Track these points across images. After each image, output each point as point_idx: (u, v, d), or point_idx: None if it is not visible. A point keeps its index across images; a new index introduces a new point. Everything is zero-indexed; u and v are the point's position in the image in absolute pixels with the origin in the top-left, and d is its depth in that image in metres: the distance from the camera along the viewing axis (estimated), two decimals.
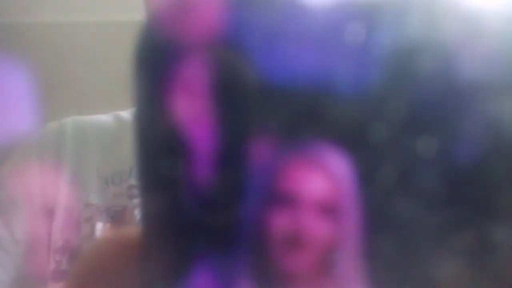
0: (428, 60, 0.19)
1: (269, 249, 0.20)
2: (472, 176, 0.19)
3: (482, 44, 0.19)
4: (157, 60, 0.20)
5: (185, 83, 0.19)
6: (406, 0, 0.19)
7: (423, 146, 0.19)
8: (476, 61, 0.19)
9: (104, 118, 0.66)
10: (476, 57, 0.19)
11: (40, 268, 0.56)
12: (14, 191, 0.59)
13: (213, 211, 0.20)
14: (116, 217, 0.59)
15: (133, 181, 0.60)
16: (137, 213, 0.59)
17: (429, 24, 0.19)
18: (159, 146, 0.20)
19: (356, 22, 0.18)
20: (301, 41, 0.19)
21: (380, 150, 0.19)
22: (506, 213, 0.19)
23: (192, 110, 0.19)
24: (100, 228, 0.59)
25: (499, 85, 0.19)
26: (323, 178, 0.20)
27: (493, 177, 0.19)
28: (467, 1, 0.19)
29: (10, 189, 0.59)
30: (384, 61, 0.19)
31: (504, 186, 0.19)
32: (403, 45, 0.19)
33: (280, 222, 0.20)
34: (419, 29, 0.19)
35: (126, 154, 0.61)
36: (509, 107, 0.19)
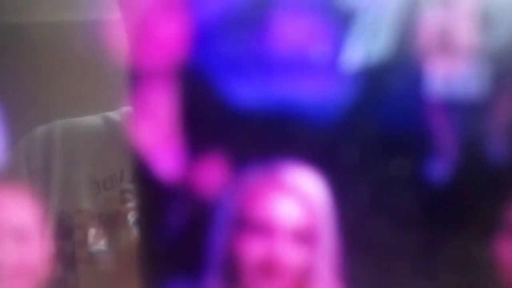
0: (401, 79, 0.18)
1: (241, 277, 0.19)
2: (449, 195, 0.18)
3: (456, 60, 0.18)
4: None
5: (150, 108, 0.18)
6: (379, 19, 0.18)
7: (399, 166, 0.18)
8: (450, 78, 0.18)
9: (93, 120, 0.64)
10: (449, 74, 0.18)
11: None
12: None
13: (183, 237, 0.19)
14: (109, 222, 0.58)
15: (125, 185, 0.59)
16: (130, 218, 0.58)
17: (400, 42, 0.18)
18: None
19: (326, 42, 0.18)
20: (271, 63, 0.18)
21: (356, 172, 0.18)
22: (482, 229, 0.19)
23: (157, 134, 0.18)
24: (93, 234, 0.58)
25: (473, 102, 0.18)
26: (298, 202, 0.19)
27: (470, 194, 0.19)
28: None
29: None
30: (357, 80, 0.18)
31: (481, 203, 0.19)
32: (376, 63, 0.18)
33: (252, 249, 0.19)
34: (391, 47, 0.18)
35: (117, 157, 0.59)
36: (483, 125, 0.18)
